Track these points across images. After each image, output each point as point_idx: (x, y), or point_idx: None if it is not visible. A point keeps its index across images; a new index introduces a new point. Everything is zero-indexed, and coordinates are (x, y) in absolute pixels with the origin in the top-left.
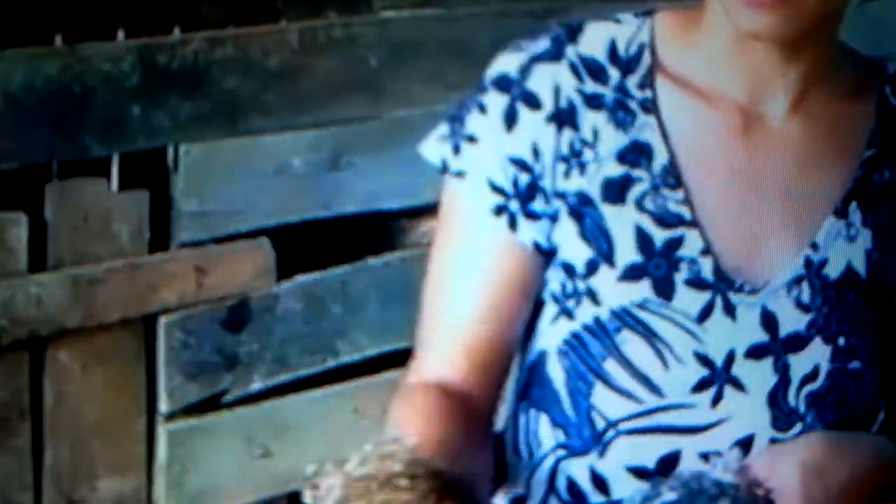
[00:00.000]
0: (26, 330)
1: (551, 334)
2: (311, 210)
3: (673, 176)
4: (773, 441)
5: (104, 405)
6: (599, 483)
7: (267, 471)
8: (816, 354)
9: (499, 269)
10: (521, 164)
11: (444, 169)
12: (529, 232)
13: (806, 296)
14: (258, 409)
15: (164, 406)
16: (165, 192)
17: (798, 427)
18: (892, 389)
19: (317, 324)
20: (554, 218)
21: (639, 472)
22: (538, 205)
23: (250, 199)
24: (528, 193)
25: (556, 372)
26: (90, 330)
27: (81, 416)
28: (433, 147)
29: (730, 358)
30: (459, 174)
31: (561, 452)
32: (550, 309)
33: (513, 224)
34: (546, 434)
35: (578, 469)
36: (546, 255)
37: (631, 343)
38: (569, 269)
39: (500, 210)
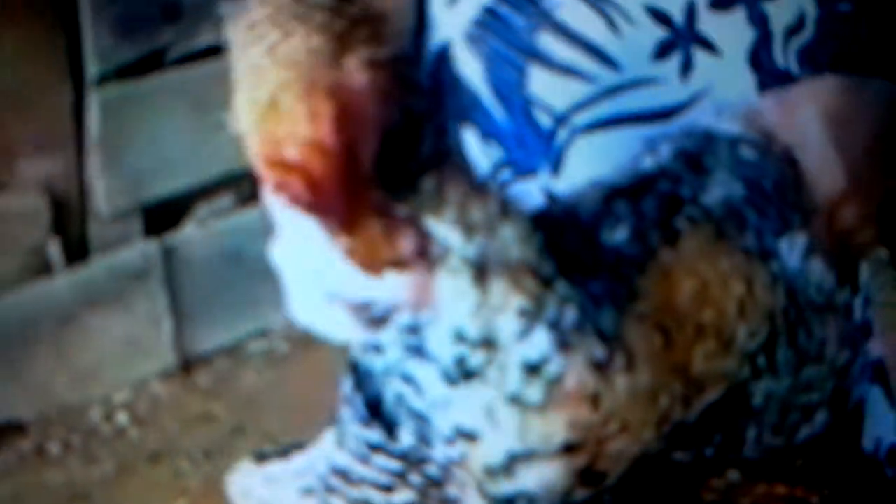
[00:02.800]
0: None
1: (451, 18)
2: None
3: None
4: None
5: (16, 72)
6: None
7: (220, 144)
8: None
9: None
10: None
11: None
12: None
13: None
14: (209, 69)
15: (92, 68)
16: None
17: None
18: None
19: None
20: None
21: None
22: None
23: None
24: None
25: (470, 67)
26: None
27: None
28: None
29: (690, 11)
30: None
31: (504, 173)
32: None
33: None
34: (478, 154)
35: (530, 196)
36: None
37: (566, 6)
38: None
39: None
